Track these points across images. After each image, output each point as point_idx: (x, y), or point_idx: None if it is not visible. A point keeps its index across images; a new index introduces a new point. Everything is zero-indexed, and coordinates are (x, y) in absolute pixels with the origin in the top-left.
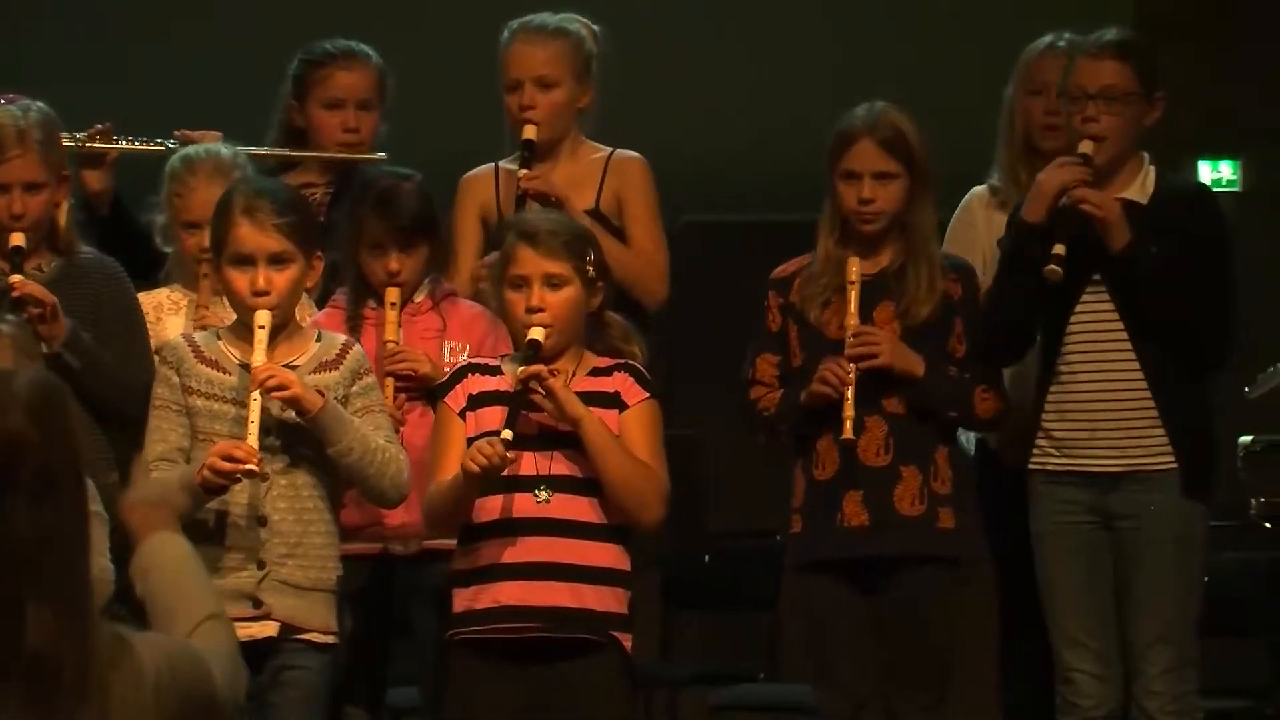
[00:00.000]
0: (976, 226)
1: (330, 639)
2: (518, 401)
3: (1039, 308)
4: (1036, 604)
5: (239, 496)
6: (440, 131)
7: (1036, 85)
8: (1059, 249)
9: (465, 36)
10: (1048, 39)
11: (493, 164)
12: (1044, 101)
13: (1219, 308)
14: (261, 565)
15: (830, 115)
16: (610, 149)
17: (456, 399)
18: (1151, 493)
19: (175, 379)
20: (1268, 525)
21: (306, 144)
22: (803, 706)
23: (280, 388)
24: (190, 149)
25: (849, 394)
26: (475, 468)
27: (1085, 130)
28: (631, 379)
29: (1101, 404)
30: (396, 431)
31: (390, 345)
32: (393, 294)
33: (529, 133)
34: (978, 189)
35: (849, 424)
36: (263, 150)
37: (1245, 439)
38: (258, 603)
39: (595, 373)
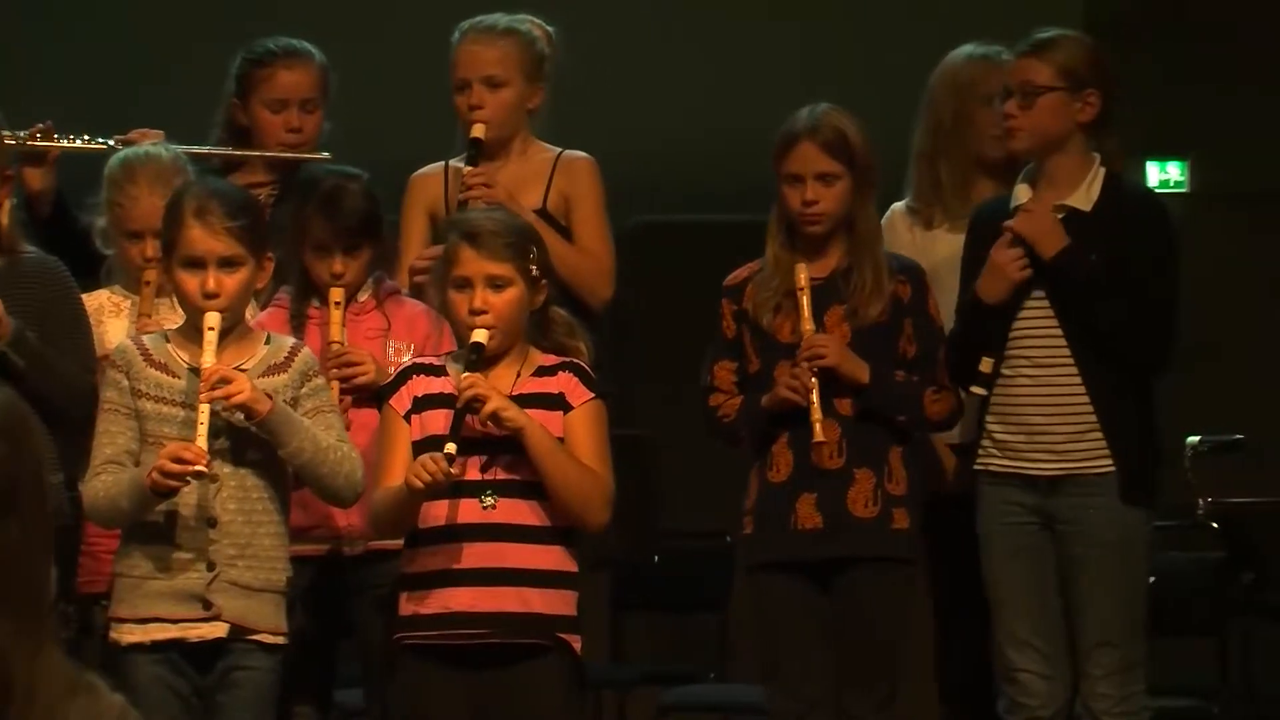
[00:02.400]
0: (900, 244)
1: (280, 640)
2: (460, 412)
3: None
4: (972, 601)
5: (188, 498)
6: (392, 132)
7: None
8: (985, 365)
9: (418, 36)
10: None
11: (443, 162)
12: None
13: (1159, 316)
14: (211, 566)
15: (786, 117)
16: (559, 149)
17: (401, 401)
18: (1090, 496)
19: (124, 382)
20: (1214, 525)
21: (250, 143)
22: (753, 707)
23: (228, 397)
24: (130, 152)
25: (814, 398)
26: (419, 484)
27: (1003, 125)
28: (576, 379)
29: (1040, 409)
30: None
31: (335, 346)
32: (337, 294)
33: (476, 131)
34: (897, 205)
35: (818, 426)
36: (205, 149)
37: (1192, 439)
38: (207, 604)
39: (540, 372)
